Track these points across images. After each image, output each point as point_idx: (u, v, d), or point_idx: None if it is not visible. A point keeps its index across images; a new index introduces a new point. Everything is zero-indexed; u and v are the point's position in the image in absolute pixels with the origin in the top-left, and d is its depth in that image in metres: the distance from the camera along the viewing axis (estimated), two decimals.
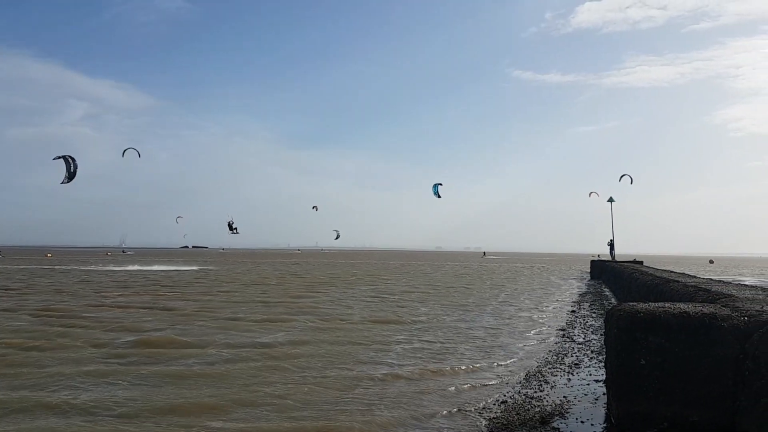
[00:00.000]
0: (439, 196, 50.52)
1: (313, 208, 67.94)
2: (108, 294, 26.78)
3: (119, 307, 21.24)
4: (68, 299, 24.16)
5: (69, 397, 8.81)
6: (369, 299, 26.09)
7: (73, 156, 32.31)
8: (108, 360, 11.79)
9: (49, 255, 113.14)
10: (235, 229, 51.15)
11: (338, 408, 8.42)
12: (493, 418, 7.87)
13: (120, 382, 9.84)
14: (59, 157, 32.28)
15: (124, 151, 37.68)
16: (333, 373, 10.65)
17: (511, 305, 24.68)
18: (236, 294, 27.80)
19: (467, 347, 13.87)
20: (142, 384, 9.72)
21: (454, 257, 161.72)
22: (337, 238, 73.04)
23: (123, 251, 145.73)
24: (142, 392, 9.16)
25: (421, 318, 19.17)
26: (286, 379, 10.21)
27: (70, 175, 32.22)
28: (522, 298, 28.41)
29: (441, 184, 50.72)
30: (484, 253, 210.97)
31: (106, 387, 9.52)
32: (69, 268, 57.09)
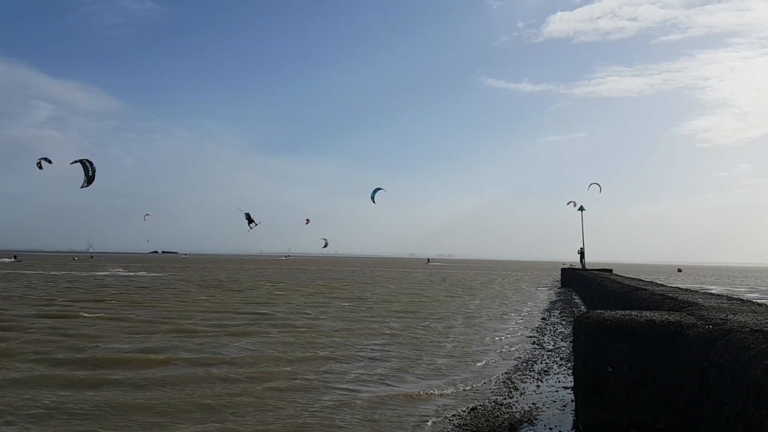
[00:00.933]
0: (374, 202, 49.96)
1: (306, 221, 66.99)
2: (60, 301, 25.53)
3: (71, 316, 19.96)
4: (15, 307, 22.89)
5: None
6: (339, 308, 25.95)
7: (90, 160, 31.88)
8: (46, 384, 10.02)
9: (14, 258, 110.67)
10: (253, 221, 47.55)
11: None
12: (463, 424, 7.84)
13: (54, 412, 8.34)
14: (77, 161, 31.83)
15: (39, 162, 36.84)
16: (298, 395, 10.26)
17: (482, 313, 24.76)
18: (203, 302, 27.41)
19: (437, 355, 13.85)
20: (80, 415, 8.26)
21: (424, 265, 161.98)
22: (325, 246, 72.32)
23: (91, 256, 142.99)
24: (84, 428, 7.80)
25: (391, 326, 19.11)
26: (247, 402, 9.09)
27: (89, 179, 31.81)
28: (494, 306, 28.54)
29: (383, 189, 50.26)
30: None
31: (38, 421, 8.02)
32: (31, 272, 55.76)
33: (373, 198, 49.57)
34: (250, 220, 46.76)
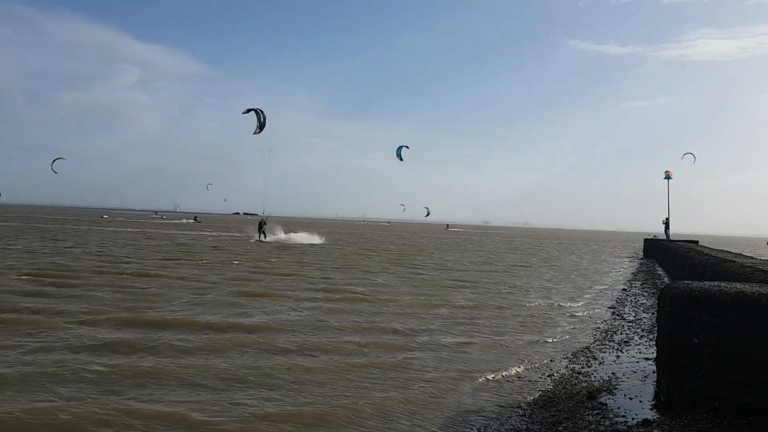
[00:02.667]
0: (402, 159, 49.04)
1: (402, 208, 67.56)
2: (127, 259, 26.31)
3: (136, 274, 20.44)
4: (83, 260, 24.05)
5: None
6: (423, 276, 26.17)
7: (261, 108, 33.68)
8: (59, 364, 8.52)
9: (105, 216, 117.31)
10: (264, 232, 47.46)
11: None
12: (541, 390, 7.93)
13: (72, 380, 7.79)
14: (250, 110, 33.57)
15: (53, 163, 39.12)
16: (368, 357, 10.63)
17: (560, 282, 24.48)
18: (275, 263, 28.12)
19: (515, 323, 13.89)
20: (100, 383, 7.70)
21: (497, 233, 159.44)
22: (427, 215, 73.01)
23: (162, 216, 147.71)
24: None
25: (467, 295, 19.19)
26: (311, 372, 8.62)
27: (261, 126, 33.57)
28: (572, 276, 28.10)
29: (407, 147, 49.29)
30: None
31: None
32: (118, 229, 58.38)
33: (399, 155, 48.91)
34: (261, 229, 47.12)
